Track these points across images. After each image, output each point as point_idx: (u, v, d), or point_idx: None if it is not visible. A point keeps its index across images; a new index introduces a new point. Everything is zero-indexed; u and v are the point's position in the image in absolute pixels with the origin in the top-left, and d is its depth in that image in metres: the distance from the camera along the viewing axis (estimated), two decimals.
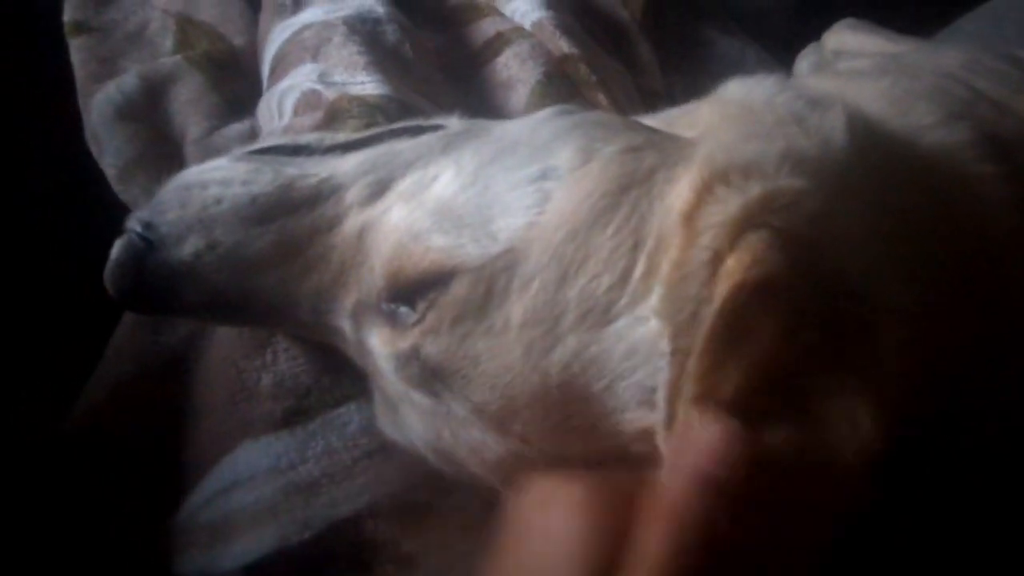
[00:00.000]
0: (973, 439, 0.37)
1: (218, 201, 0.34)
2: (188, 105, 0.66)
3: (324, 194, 0.36)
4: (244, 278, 0.34)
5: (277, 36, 0.67)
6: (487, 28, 0.75)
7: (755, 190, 0.29)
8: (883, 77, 0.49)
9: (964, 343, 0.37)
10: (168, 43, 0.74)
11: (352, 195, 0.36)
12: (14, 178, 0.65)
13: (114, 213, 0.59)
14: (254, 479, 0.34)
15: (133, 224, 0.36)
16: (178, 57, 0.69)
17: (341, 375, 0.37)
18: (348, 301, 0.35)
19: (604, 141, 0.33)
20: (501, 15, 0.76)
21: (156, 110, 0.65)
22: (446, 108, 0.64)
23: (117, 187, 0.60)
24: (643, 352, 0.29)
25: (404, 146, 0.37)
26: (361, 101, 0.51)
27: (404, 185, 0.36)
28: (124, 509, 0.37)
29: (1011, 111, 0.50)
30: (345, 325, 0.35)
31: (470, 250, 0.31)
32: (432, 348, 0.32)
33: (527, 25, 0.73)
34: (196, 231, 0.34)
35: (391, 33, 0.67)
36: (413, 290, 0.32)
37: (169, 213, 0.35)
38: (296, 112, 0.54)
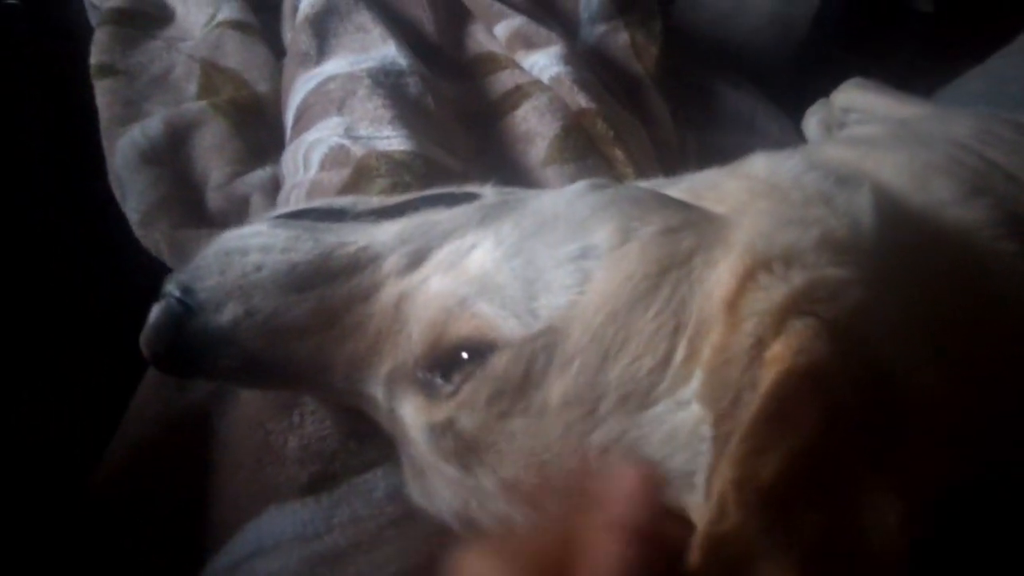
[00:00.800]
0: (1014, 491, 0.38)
1: (258, 268, 0.35)
2: (211, 151, 0.66)
3: (362, 263, 0.36)
4: (280, 345, 0.34)
5: (302, 86, 0.68)
6: (506, 80, 0.76)
7: (799, 279, 0.30)
8: (900, 149, 0.50)
9: (995, 412, 0.37)
10: (193, 88, 0.75)
11: (390, 264, 0.36)
12: (38, 222, 0.65)
13: (136, 260, 0.60)
14: (279, 547, 0.34)
15: (172, 288, 0.36)
16: (203, 103, 0.70)
17: (368, 440, 0.37)
18: (383, 369, 0.35)
19: (641, 220, 0.34)
20: (520, 68, 0.78)
21: (179, 155, 0.66)
22: (464, 158, 0.66)
23: (139, 232, 0.60)
24: (683, 436, 0.29)
25: (441, 216, 0.38)
26: (388, 158, 0.52)
27: (442, 255, 0.36)
28: (147, 569, 0.36)
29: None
30: (378, 393, 0.35)
31: (512, 324, 0.32)
32: (467, 422, 0.32)
33: (545, 79, 0.75)
34: (235, 298, 0.34)
35: (413, 85, 0.69)
36: (451, 359, 0.33)
37: (208, 279, 0.35)
38: (323, 167, 0.55)
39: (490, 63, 0.79)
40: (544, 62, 0.76)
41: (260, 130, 0.70)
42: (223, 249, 0.37)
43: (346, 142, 0.55)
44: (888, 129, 0.61)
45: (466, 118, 0.74)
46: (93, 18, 0.87)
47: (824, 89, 0.95)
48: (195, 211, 0.63)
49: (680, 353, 0.29)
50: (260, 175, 0.65)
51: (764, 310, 0.29)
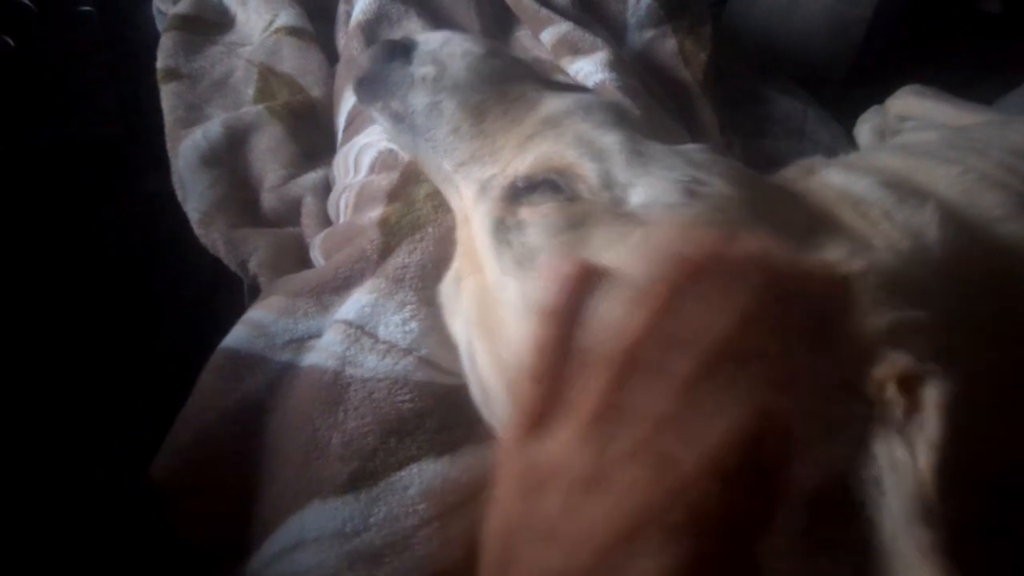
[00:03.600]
0: None
1: (463, 55, 0.46)
2: (267, 153, 0.69)
3: (530, 97, 0.45)
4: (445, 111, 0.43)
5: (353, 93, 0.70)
6: None
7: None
8: (953, 161, 0.49)
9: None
10: (250, 91, 0.78)
11: (547, 107, 0.44)
12: (107, 223, 0.69)
13: (195, 259, 0.63)
14: (319, 541, 0.35)
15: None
16: (260, 107, 0.73)
17: (407, 436, 0.38)
18: (490, 172, 0.41)
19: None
20: (565, 73, 0.78)
21: (237, 157, 0.69)
22: None
23: (198, 231, 0.63)
24: None
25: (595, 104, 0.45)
26: None
27: (584, 126, 0.42)
28: (201, 555, 0.39)
29: None
30: (470, 189, 0.42)
31: (603, 193, 0.38)
32: (532, 231, 0.37)
33: (590, 85, 0.75)
34: (435, 63, 0.45)
35: None
36: (544, 186, 0.38)
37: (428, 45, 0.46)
38: (373, 169, 0.56)
39: (535, 68, 0.80)
40: (589, 68, 0.76)
41: (313, 133, 0.73)
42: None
43: (395, 146, 0.57)
44: (943, 136, 0.60)
45: None
46: (160, 24, 0.91)
47: (880, 95, 0.93)
48: (251, 211, 0.66)
49: None
50: (312, 177, 0.68)
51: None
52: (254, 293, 0.61)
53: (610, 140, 0.41)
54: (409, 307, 0.43)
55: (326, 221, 0.63)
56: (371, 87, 0.46)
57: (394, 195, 0.50)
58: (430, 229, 0.47)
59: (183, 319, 0.63)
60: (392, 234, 0.47)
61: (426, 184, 0.50)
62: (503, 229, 0.38)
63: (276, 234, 0.63)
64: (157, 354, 0.58)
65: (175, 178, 0.68)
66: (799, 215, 0.40)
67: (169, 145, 0.72)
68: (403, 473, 0.37)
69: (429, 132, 0.44)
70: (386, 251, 0.46)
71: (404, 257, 0.45)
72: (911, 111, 0.89)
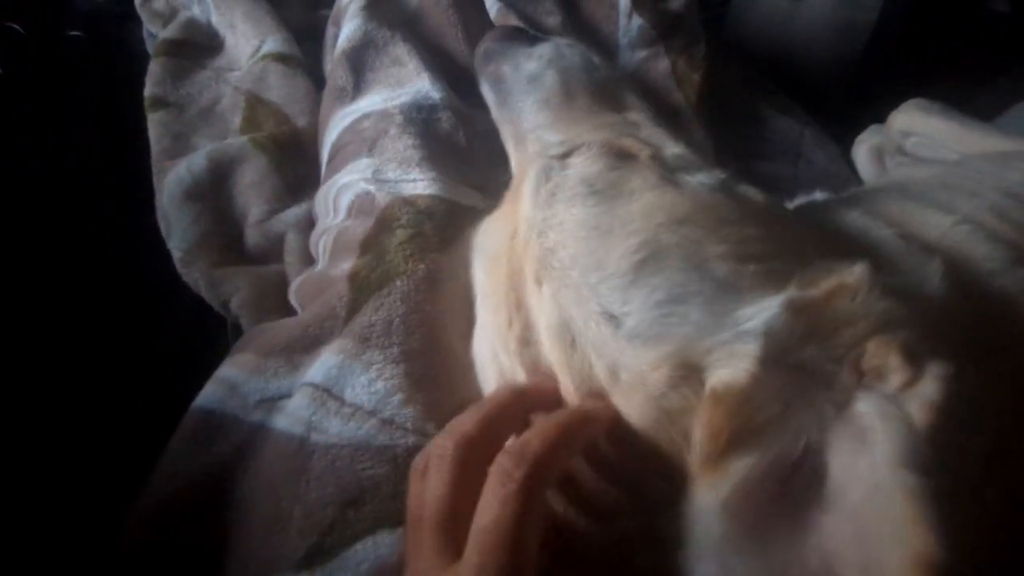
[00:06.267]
0: None
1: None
2: (251, 187, 0.69)
3: (620, 102, 0.51)
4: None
5: (337, 123, 0.69)
6: None
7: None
8: (948, 210, 0.49)
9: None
10: (237, 120, 0.78)
11: (632, 115, 0.50)
12: (93, 254, 0.68)
13: (181, 293, 0.63)
14: None
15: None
16: (244, 139, 0.72)
17: (364, 506, 0.37)
18: (559, 138, 0.46)
19: None
20: None
21: (221, 192, 0.69)
22: (493, 193, 0.66)
23: (180, 269, 0.63)
24: None
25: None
26: (412, 206, 0.53)
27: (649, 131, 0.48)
28: None
29: None
30: (535, 145, 0.47)
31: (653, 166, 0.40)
32: (577, 169, 0.40)
33: None
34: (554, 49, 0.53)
35: (445, 120, 0.69)
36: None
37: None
38: (350, 213, 0.56)
39: None
40: None
41: (298, 165, 0.72)
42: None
43: (372, 188, 0.56)
44: (938, 176, 0.58)
45: (499, 150, 0.74)
46: (151, 46, 0.91)
47: (886, 99, 0.90)
48: (234, 247, 0.66)
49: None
50: (295, 212, 0.67)
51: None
52: (237, 332, 0.61)
53: (672, 146, 0.45)
54: (375, 367, 0.42)
55: (308, 258, 0.62)
56: (489, 55, 0.53)
57: (366, 246, 0.50)
58: (398, 283, 0.46)
59: (168, 355, 0.63)
60: (360, 290, 0.46)
61: (400, 231, 0.50)
62: (549, 168, 0.41)
63: (258, 273, 0.62)
64: (140, 393, 0.58)
65: (159, 213, 0.68)
66: (817, 237, 0.41)
67: (155, 177, 0.72)
68: (358, 546, 0.36)
69: (521, 95, 0.50)
70: (354, 308, 0.46)
71: (371, 315, 0.44)
72: (915, 127, 0.87)
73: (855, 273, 0.33)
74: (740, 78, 0.93)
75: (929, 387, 0.29)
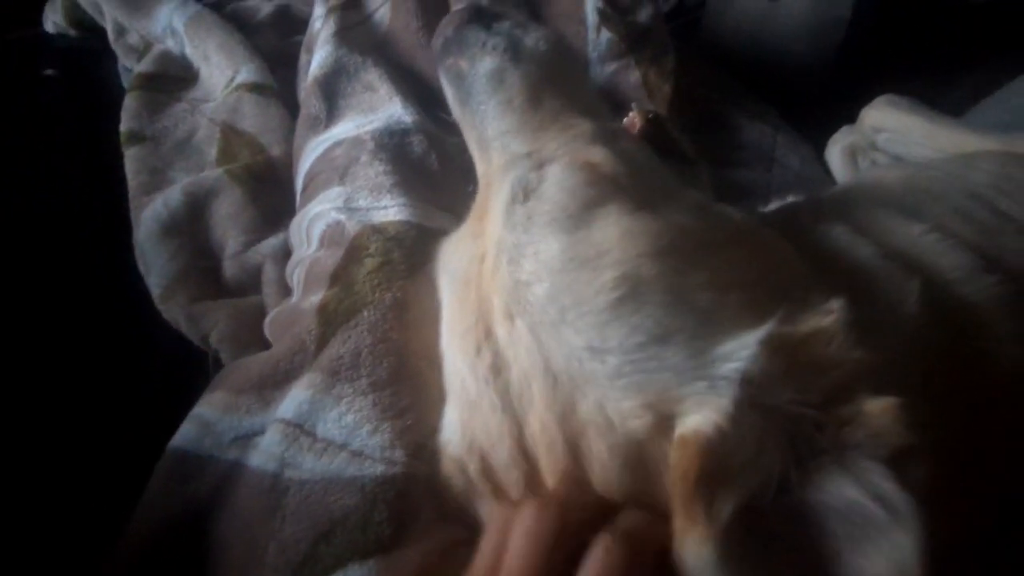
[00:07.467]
0: None
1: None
2: (227, 219, 0.69)
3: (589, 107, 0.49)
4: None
5: (311, 151, 0.70)
6: None
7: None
8: (915, 217, 0.50)
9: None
10: (213, 152, 0.79)
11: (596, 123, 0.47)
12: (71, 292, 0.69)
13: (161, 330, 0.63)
14: None
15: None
16: (220, 171, 0.73)
17: (335, 538, 0.38)
18: (526, 148, 0.44)
19: None
20: None
21: (198, 225, 0.70)
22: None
23: (160, 305, 0.64)
24: None
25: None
26: (381, 234, 0.54)
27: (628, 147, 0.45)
28: None
29: None
30: (501, 156, 0.45)
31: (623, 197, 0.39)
32: (548, 185, 0.39)
33: None
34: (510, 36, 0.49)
35: (417, 144, 0.70)
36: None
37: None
38: (322, 243, 0.56)
39: None
40: None
41: (274, 195, 0.73)
42: None
43: (343, 217, 0.57)
44: (905, 178, 0.59)
45: (472, 170, 0.74)
46: (127, 81, 0.91)
47: (863, 91, 0.91)
48: (212, 280, 0.66)
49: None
50: (272, 243, 0.68)
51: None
52: (219, 365, 0.62)
53: (645, 159, 0.44)
54: (345, 400, 0.43)
55: (285, 289, 0.63)
56: (447, 46, 0.50)
57: (335, 277, 0.50)
58: (366, 313, 0.47)
59: (152, 391, 0.64)
60: (329, 323, 0.47)
61: (369, 260, 0.50)
62: (521, 187, 0.40)
63: (237, 306, 0.63)
64: (124, 431, 0.58)
65: (137, 250, 0.68)
66: (798, 258, 0.41)
67: (132, 215, 0.72)
68: None
69: (483, 96, 0.47)
70: (323, 341, 0.46)
71: (339, 347, 0.45)
72: (885, 123, 0.88)
73: (832, 315, 0.33)
74: (712, 84, 0.94)
75: (911, 471, 0.29)
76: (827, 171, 0.85)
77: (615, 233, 0.36)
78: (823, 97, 1.09)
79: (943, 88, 1.13)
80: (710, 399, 0.32)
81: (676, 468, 0.31)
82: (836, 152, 0.86)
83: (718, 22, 1.14)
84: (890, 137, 0.84)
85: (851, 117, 0.90)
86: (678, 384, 0.33)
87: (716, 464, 0.30)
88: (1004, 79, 1.04)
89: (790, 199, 0.72)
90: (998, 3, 1.34)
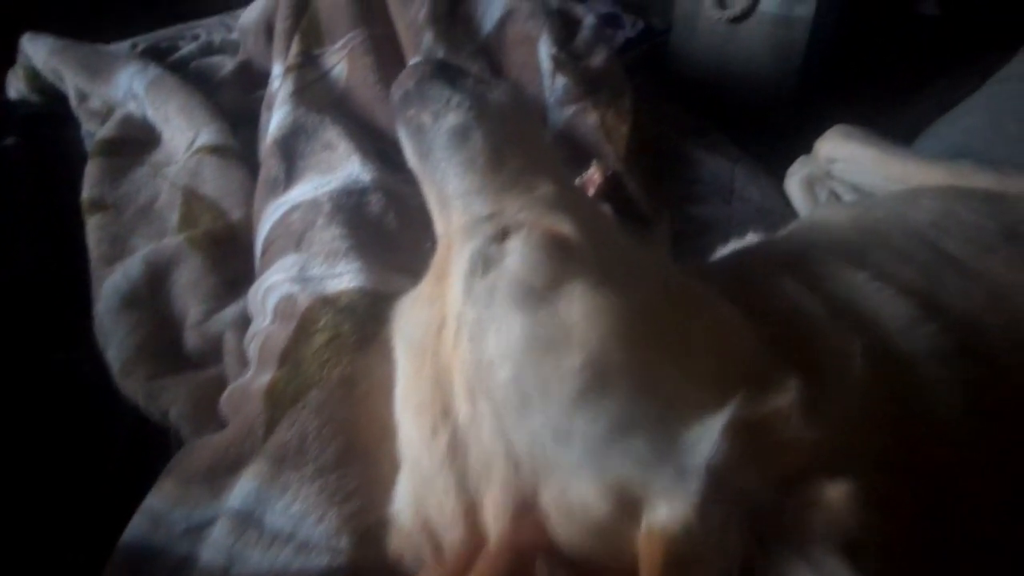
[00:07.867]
0: None
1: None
2: (188, 288, 0.69)
3: (551, 171, 0.47)
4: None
5: (269, 215, 0.70)
6: None
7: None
8: (860, 264, 0.50)
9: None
10: (175, 218, 0.79)
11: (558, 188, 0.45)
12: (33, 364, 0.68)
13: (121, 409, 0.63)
14: None
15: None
16: (180, 238, 0.73)
17: None
18: (488, 210, 0.43)
19: None
20: None
21: (159, 295, 0.70)
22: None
23: (120, 380, 0.63)
24: None
25: None
26: (331, 305, 0.54)
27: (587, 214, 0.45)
28: None
29: (976, 275, 0.51)
30: (462, 217, 0.43)
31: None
32: (512, 262, 0.38)
33: None
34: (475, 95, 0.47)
35: (375, 203, 0.70)
36: None
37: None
38: (276, 316, 0.57)
39: None
40: None
41: (235, 260, 0.73)
42: None
43: (296, 289, 0.57)
44: (850, 220, 0.60)
45: (431, 226, 0.75)
46: (90, 146, 0.92)
47: (823, 124, 0.92)
48: (172, 353, 0.66)
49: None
50: (233, 311, 0.68)
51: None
52: (180, 441, 0.61)
53: (609, 231, 0.44)
54: (291, 490, 0.43)
55: (245, 359, 0.63)
56: (408, 98, 0.48)
57: (285, 356, 0.51)
58: (313, 393, 0.47)
59: (112, 467, 0.63)
60: (276, 406, 0.47)
61: (318, 336, 0.51)
62: (483, 259, 0.39)
63: (197, 380, 0.63)
64: (84, 511, 0.57)
65: (96, 323, 0.68)
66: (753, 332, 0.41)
67: (93, 286, 0.72)
68: None
69: (444, 153, 0.45)
70: (271, 426, 0.46)
71: (285, 432, 0.45)
72: (838, 153, 0.89)
73: (787, 396, 0.34)
74: (669, 119, 0.95)
75: (865, 560, 0.30)
76: (787, 202, 0.86)
77: (579, 312, 0.36)
78: (786, 116, 1.11)
79: (904, 105, 1.15)
80: (677, 490, 0.32)
81: (644, 558, 0.31)
82: (795, 183, 0.87)
83: (684, 45, 1.17)
84: (844, 167, 0.86)
85: (813, 140, 0.92)
86: (643, 471, 0.33)
87: (683, 554, 0.30)
88: (964, 90, 1.05)
89: (750, 235, 0.72)
90: (951, 15, 1.37)
